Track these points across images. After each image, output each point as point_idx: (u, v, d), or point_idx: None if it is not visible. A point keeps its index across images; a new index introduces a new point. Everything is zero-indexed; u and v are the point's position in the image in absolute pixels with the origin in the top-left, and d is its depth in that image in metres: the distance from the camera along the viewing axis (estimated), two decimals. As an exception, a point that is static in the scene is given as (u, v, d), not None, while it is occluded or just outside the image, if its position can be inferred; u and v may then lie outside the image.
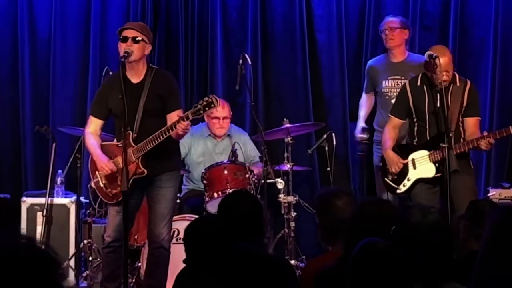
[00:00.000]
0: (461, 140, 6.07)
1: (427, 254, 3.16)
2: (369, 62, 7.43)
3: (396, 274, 2.85)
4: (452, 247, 3.34)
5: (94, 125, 5.75)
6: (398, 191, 6.20)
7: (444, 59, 5.99)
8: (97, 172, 5.77)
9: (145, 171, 5.51)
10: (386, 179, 6.26)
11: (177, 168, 5.85)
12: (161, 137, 5.39)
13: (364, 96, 7.44)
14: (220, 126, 7.19)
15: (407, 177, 6.15)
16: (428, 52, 6.02)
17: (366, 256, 2.87)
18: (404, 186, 6.16)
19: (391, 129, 6.27)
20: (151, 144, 5.43)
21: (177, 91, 5.81)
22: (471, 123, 6.13)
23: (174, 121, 5.38)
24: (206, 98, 5.28)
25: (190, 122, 5.33)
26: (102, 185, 5.73)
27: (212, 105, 5.26)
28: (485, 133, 6.00)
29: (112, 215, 5.71)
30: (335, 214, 3.97)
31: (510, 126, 5.92)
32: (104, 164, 5.60)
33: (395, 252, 2.88)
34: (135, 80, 5.64)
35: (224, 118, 7.17)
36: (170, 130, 5.36)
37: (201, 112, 5.28)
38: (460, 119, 6.11)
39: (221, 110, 7.13)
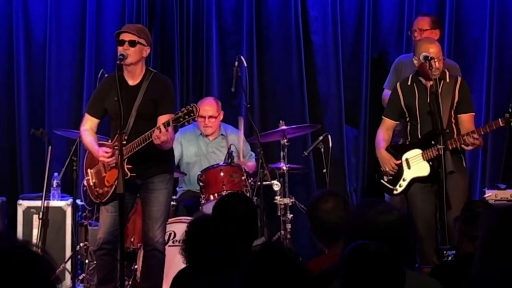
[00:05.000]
0: (454, 137, 6.03)
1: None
2: (399, 58, 7.27)
3: (388, 277, 2.85)
4: (406, 245, 3.36)
5: (90, 123, 5.76)
6: (394, 192, 6.17)
7: (433, 48, 6.00)
8: (89, 170, 5.80)
9: (129, 173, 5.49)
10: (382, 181, 6.23)
11: (170, 170, 5.84)
12: (144, 141, 5.39)
13: (386, 92, 7.15)
14: (205, 125, 7.19)
15: (403, 177, 6.11)
16: (424, 54, 5.98)
17: (357, 259, 2.86)
18: (400, 186, 6.13)
19: (384, 131, 6.25)
20: (137, 147, 5.44)
21: (171, 96, 5.77)
22: (465, 119, 6.05)
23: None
24: (187, 107, 5.30)
25: (167, 132, 5.30)
26: (92, 183, 5.76)
27: (192, 114, 5.26)
28: (472, 129, 5.91)
29: (104, 216, 5.71)
30: (321, 218, 3.97)
31: (499, 119, 5.85)
32: (101, 155, 5.57)
33: (388, 255, 2.87)
34: (132, 82, 5.64)
35: (209, 117, 7.17)
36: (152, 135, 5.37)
37: (181, 120, 5.28)
38: (453, 115, 6.05)
39: (208, 108, 7.14)
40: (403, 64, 7.07)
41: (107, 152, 5.56)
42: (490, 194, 6.99)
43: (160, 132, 5.28)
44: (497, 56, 7.81)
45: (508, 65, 7.86)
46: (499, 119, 5.85)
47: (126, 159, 5.48)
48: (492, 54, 7.80)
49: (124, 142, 5.48)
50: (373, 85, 7.89)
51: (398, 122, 6.26)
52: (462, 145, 5.94)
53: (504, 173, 7.73)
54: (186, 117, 5.27)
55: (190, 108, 5.27)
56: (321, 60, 8.00)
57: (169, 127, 5.33)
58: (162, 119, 5.46)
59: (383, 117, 6.31)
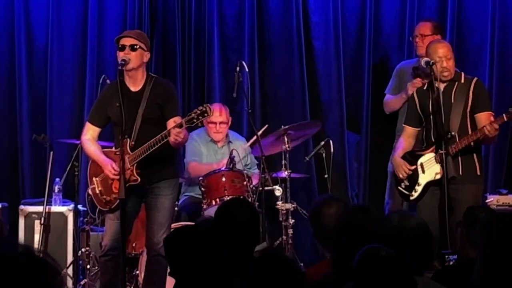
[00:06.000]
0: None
1: (407, 254, 3.18)
2: (401, 63, 7.27)
3: (398, 282, 2.85)
4: (432, 249, 3.40)
5: (91, 131, 5.75)
6: (411, 197, 6.08)
7: (441, 48, 5.99)
8: (94, 178, 5.78)
9: (139, 178, 5.51)
10: (399, 187, 6.16)
11: (176, 175, 5.84)
12: (156, 144, 5.39)
13: (388, 96, 7.22)
14: (216, 131, 7.20)
15: (418, 182, 6.03)
16: (425, 59, 5.99)
17: (369, 263, 2.86)
18: (415, 192, 6.04)
19: (406, 139, 6.17)
20: (147, 151, 5.44)
21: (175, 98, 5.79)
22: (483, 118, 5.93)
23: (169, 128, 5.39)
24: (200, 107, 5.27)
25: (184, 129, 5.31)
26: (98, 191, 5.74)
27: (206, 115, 5.25)
28: (491, 119, 5.85)
29: (109, 222, 5.70)
30: (324, 223, 3.99)
31: (503, 114, 5.77)
32: (109, 170, 5.57)
33: (398, 259, 2.88)
34: (134, 88, 5.64)
35: (220, 123, 7.17)
36: (165, 138, 5.36)
37: (195, 121, 5.27)
38: (468, 116, 5.96)
39: (218, 115, 7.14)
40: (405, 70, 7.07)
41: (114, 169, 5.55)
42: (492, 199, 6.98)
43: (178, 130, 5.27)
44: (498, 61, 7.81)
45: (510, 70, 7.86)
46: (504, 114, 5.79)
47: (135, 164, 5.49)
48: (494, 59, 7.80)
49: (131, 146, 5.50)
50: (374, 90, 7.88)
51: (418, 129, 6.14)
52: (480, 140, 5.86)
53: (506, 178, 7.72)
54: (200, 117, 5.26)
55: (204, 109, 5.24)
56: (323, 65, 8.00)
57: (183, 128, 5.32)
58: (171, 122, 5.47)
59: (403, 124, 6.26)
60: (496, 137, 5.97)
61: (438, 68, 5.91)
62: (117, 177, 5.50)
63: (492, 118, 5.91)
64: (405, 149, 6.15)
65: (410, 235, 3.33)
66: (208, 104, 5.33)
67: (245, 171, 6.81)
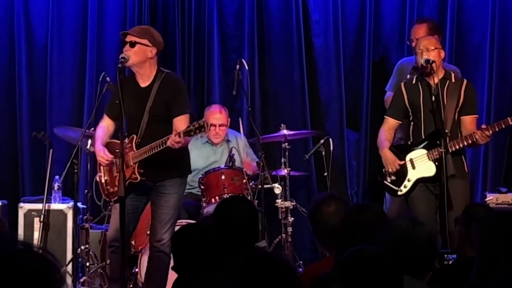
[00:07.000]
0: (460, 137, 5.98)
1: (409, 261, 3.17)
2: (402, 60, 7.26)
3: (385, 281, 2.85)
4: (433, 257, 3.38)
5: (107, 121, 5.78)
6: (399, 193, 6.08)
7: (424, 41, 6.04)
8: (102, 167, 5.80)
9: (139, 177, 5.50)
10: (385, 181, 6.16)
11: (183, 174, 5.80)
12: (158, 147, 5.38)
13: (389, 93, 7.13)
14: (216, 133, 7.19)
15: (407, 178, 6.02)
16: (424, 58, 6.00)
17: (355, 263, 2.86)
18: (405, 187, 6.03)
19: (387, 130, 6.17)
20: (149, 152, 5.43)
21: (183, 95, 5.72)
22: (468, 121, 6.00)
23: (176, 127, 5.40)
24: (198, 122, 5.25)
25: (182, 138, 5.28)
26: (104, 180, 5.77)
27: (202, 129, 5.23)
28: (483, 126, 5.88)
29: (114, 215, 5.71)
30: (324, 220, 4.00)
31: (508, 118, 5.80)
32: (101, 156, 5.61)
33: (384, 259, 2.88)
34: (143, 83, 5.62)
35: (220, 125, 7.18)
36: (165, 143, 5.36)
37: (192, 133, 5.26)
38: (457, 116, 6.00)
39: (218, 117, 7.14)
40: (406, 67, 7.06)
41: (106, 155, 5.58)
42: (491, 198, 6.98)
43: (177, 139, 5.27)
44: (498, 61, 7.81)
45: (510, 70, 7.87)
46: (508, 118, 5.82)
47: (137, 163, 5.50)
48: (494, 59, 7.80)
49: (137, 143, 5.51)
50: (374, 88, 7.89)
51: (400, 122, 6.16)
52: (469, 144, 5.90)
53: (505, 177, 7.73)
54: (197, 131, 5.25)
55: (202, 124, 5.23)
56: (323, 63, 8.01)
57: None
58: (177, 121, 5.49)
59: (385, 116, 6.23)
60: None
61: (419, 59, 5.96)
62: (107, 165, 5.56)
63: (475, 122, 5.98)
64: (389, 142, 6.16)
65: (418, 244, 3.28)
66: (206, 121, 5.32)
67: (244, 169, 6.81)
